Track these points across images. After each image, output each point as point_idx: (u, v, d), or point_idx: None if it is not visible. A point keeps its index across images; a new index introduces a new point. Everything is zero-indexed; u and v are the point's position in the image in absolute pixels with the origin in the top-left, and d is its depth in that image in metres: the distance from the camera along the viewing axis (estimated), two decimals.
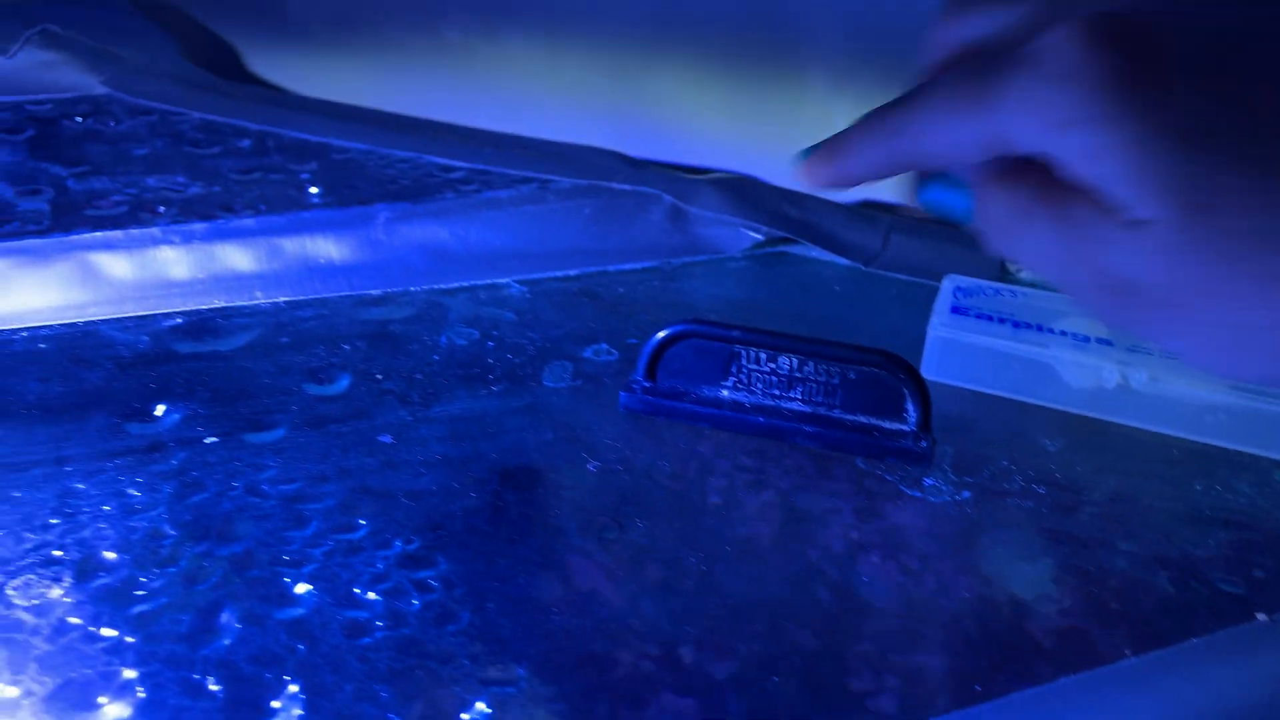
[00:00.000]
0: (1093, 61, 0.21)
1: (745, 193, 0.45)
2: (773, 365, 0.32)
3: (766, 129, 0.54)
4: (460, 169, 0.48)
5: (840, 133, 0.27)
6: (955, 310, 0.35)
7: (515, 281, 0.40)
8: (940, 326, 0.35)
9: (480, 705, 0.22)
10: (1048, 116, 0.22)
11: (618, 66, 0.60)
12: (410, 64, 0.65)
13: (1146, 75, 0.21)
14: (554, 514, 0.28)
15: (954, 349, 0.35)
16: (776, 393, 0.32)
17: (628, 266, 0.42)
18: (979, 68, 0.23)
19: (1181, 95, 0.21)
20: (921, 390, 0.31)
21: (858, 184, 0.27)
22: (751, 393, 0.32)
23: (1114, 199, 0.21)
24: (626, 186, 0.46)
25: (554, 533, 0.27)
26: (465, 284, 0.40)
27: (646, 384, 0.32)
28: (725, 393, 0.32)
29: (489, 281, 0.40)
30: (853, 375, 0.31)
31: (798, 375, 0.32)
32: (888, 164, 0.26)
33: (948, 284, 0.37)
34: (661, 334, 0.32)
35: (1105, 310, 0.22)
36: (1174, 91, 0.21)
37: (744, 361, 0.32)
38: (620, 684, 0.23)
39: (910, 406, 0.31)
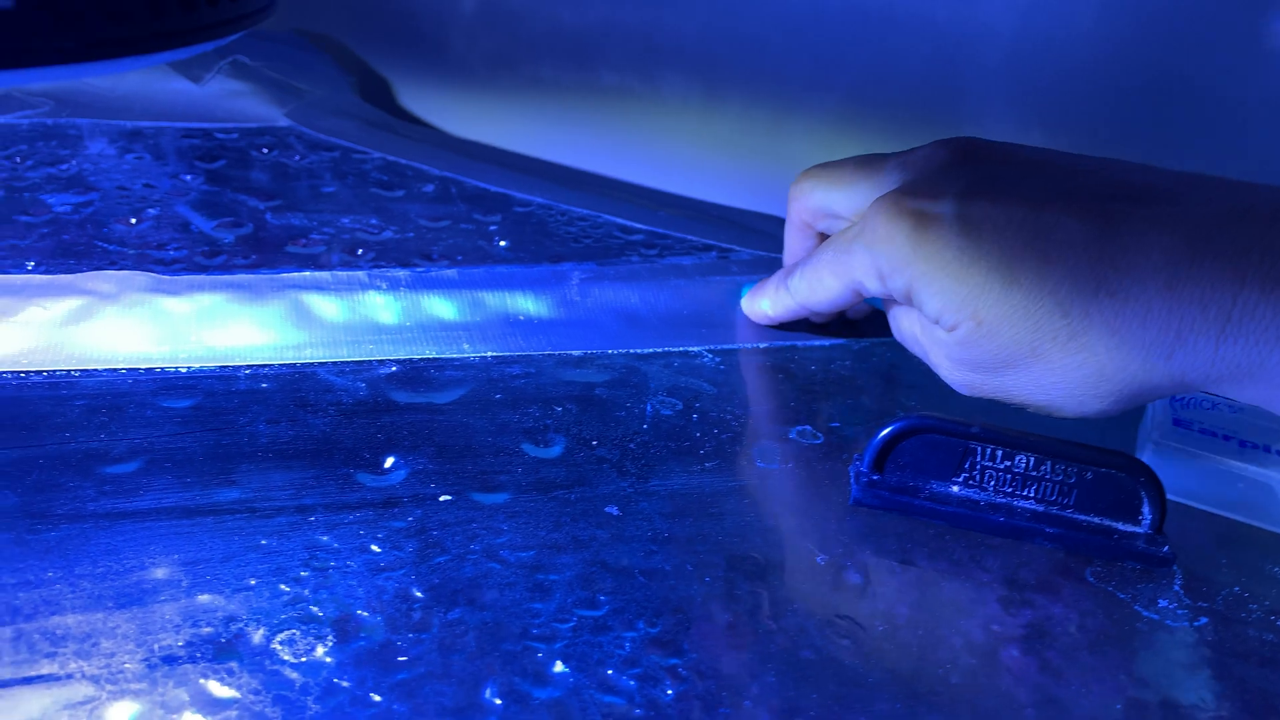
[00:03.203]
0: (887, 232, 0.32)
1: None
2: (1008, 463, 0.31)
3: None
4: (640, 230, 0.49)
5: (763, 283, 0.42)
6: (1177, 423, 0.35)
7: (707, 351, 0.40)
8: (1163, 439, 0.34)
9: None
10: (875, 273, 0.33)
11: (774, 123, 0.60)
12: (565, 107, 0.66)
13: (921, 236, 0.31)
14: (793, 607, 0.28)
15: (1174, 462, 0.34)
16: (1009, 490, 0.31)
17: (815, 343, 0.42)
18: (837, 247, 0.36)
19: (948, 247, 0.31)
20: (1160, 495, 0.31)
21: (776, 324, 0.42)
22: (983, 490, 0.31)
23: (933, 319, 0.32)
24: None
25: (796, 631, 0.27)
26: (658, 349, 0.40)
27: (875, 477, 0.32)
28: (956, 489, 0.32)
29: (681, 348, 0.40)
30: (1089, 476, 0.31)
31: (1033, 474, 0.31)
32: (794, 314, 0.40)
33: None
34: (892, 427, 0.31)
35: (968, 384, 0.33)
36: (941, 238, 0.31)
37: (978, 458, 0.31)
38: None
39: (1146, 510, 0.31)
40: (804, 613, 0.27)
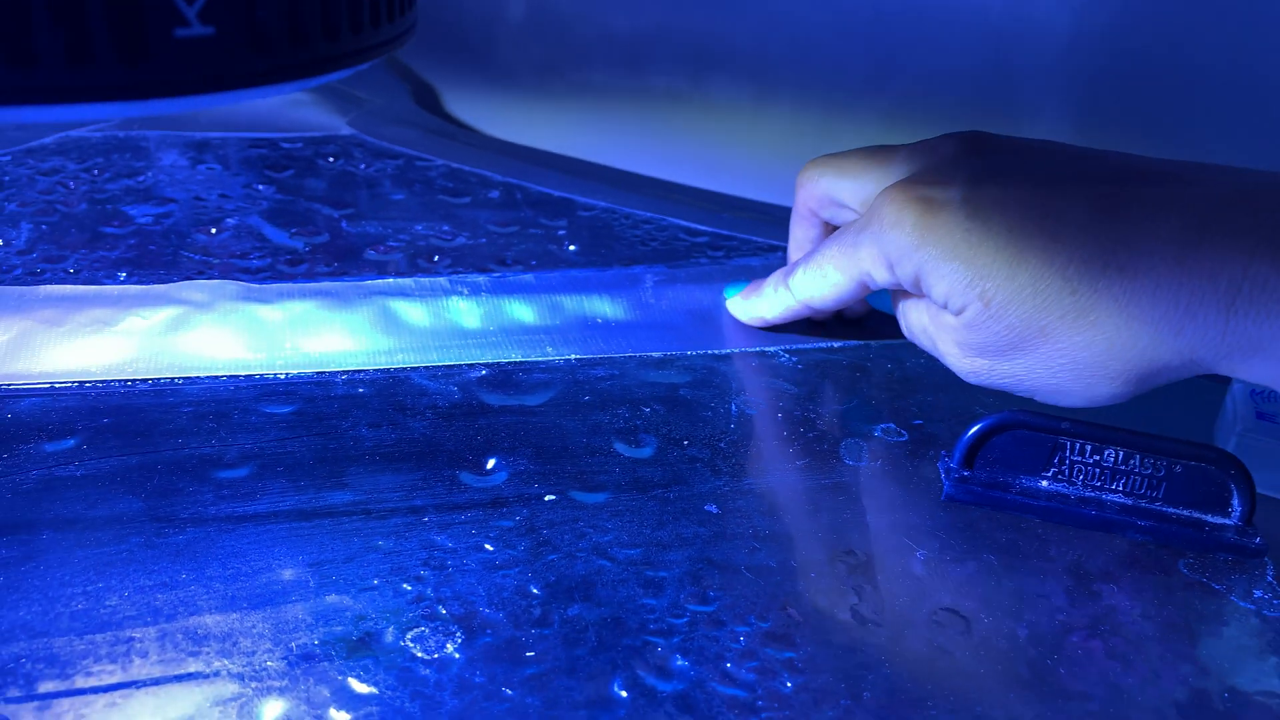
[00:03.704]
0: (895, 218, 0.33)
1: None
2: (1097, 458, 0.32)
3: None
4: (705, 233, 0.49)
5: (755, 284, 0.41)
6: (1261, 415, 0.35)
7: (783, 350, 0.41)
8: (1248, 434, 0.34)
9: None
10: (883, 262, 0.34)
11: (825, 125, 0.61)
12: (614, 112, 0.67)
13: (929, 220, 0.32)
14: (896, 602, 0.28)
15: (1260, 454, 0.34)
16: (1098, 484, 0.32)
17: (889, 342, 0.42)
18: (843, 241, 0.35)
19: (956, 229, 0.31)
20: (1250, 487, 0.31)
21: (769, 326, 0.41)
22: (1072, 484, 0.32)
23: (941, 304, 0.33)
24: None
25: (903, 623, 0.28)
26: (736, 350, 0.41)
27: (965, 473, 0.32)
28: (1045, 483, 0.32)
29: (758, 349, 0.41)
30: (1179, 469, 0.31)
31: (1122, 468, 0.31)
32: (794, 314, 0.40)
33: (1240, 386, 0.37)
34: (983, 423, 0.32)
35: (978, 371, 0.33)
36: (949, 221, 0.32)
37: (1067, 453, 0.32)
38: None
39: (1236, 502, 0.31)
40: (909, 607, 0.28)
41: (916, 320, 0.35)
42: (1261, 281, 0.27)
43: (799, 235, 0.41)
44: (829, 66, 0.60)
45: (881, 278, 0.35)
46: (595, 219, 0.50)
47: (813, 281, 0.37)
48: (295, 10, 0.17)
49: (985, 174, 0.32)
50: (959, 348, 0.33)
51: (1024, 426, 0.32)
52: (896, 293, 0.36)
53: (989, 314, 0.31)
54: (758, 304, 0.41)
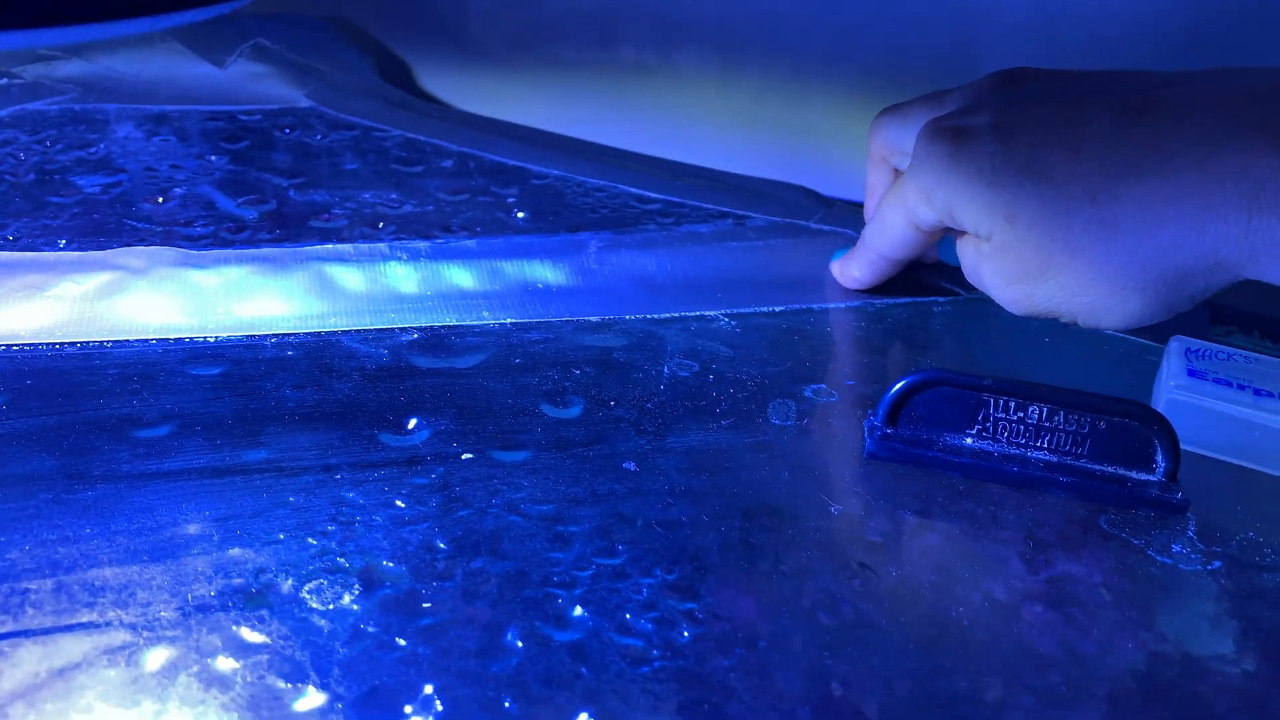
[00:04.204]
0: (927, 151, 0.34)
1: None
2: (1021, 414, 0.31)
3: None
4: (656, 200, 0.49)
5: (851, 250, 0.42)
6: (1192, 373, 0.35)
7: (724, 315, 0.41)
8: (1177, 389, 0.34)
9: None
10: (923, 196, 0.35)
11: (791, 96, 0.61)
12: (584, 85, 0.67)
13: (957, 148, 0.33)
14: (807, 554, 0.28)
15: (1189, 412, 0.34)
16: (1023, 441, 0.32)
17: (831, 305, 0.42)
18: (896, 184, 0.37)
19: (982, 153, 0.32)
20: (1173, 443, 0.31)
21: (866, 286, 0.42)
22: (997, 441, 0.32)
23: (972, 231, 0.34)
24: (825, 227, 0.46)
25: (809, 576, 0.28)
26: (676, 314, 0.40)
27: (888, 430, 0.32)
28: (969, 440, 0.32)
29: (698, 313, 0.41)
30: (1103, 425, 0.31)
31: (1046, 424, 0.31)
32: (877, 267, 0.41)
33: (1176, 345, 0.36)
34: (906, 381, 0.32)
35: (1017, 299, 0.34)
36: (977, 148, 0.33)
37: (991, 410, 0.32)
38: None
39: (1160, 458, 0.31)
40: (818, 560, 0.28)
41: (964, 258, 0.36)
42: None
43: (873, 182, 0.42)
44: (793, 37, 0.60)
45: (925, 214, 0.35)
46: (547, 187, 0.50)
47: (878, 231, 0.39)
48: None
49: (1014, 100, 0.33)
50: (998, 277, 0.34)
51: (948, 384, 0.32)
52: (954, 235, 0.37)
53: (1015, 234, 0.32)
54: (849, 265, 0.42)
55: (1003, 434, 0.32)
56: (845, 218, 0.47)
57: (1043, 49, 0.52)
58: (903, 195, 0.36)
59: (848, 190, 0.52)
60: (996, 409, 0.32)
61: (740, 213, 0.48)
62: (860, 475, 0.32)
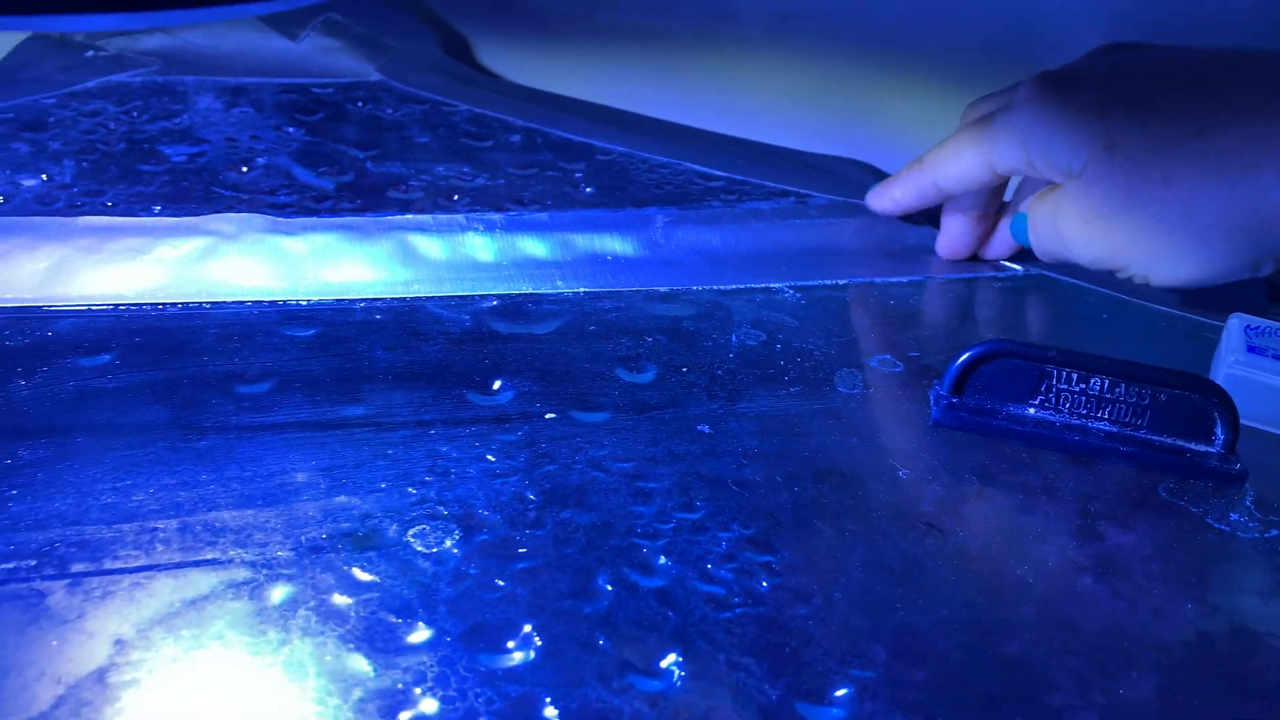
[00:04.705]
0: (1031, 93, 0.35)
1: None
2: (1083, 386, 0.33)
3: None
4: (719, 178, 0.50)
5: (897, 174, 0.42)
6: (1251, 349, 0.36)
7: (788, 287, 0.42)
8: (1237, 365, 0.35)
9: (841, 691, 0.24)
10: (1016, 139, 0.35)
11: (847, 69, 0.61)
12: (640, 57, 0.68)
13: (1062, 88, 0.34)
14: (876, 514, 0.30)
15: (1249, 388, 0.35)
16: (1084, 412, 0.33)
17: (894, 279, 0.43)
18: (979, 124, 0.37)
19: (1088, 90, 0.33)
20: (1233, 416, 0.32)
21: (906, 211, 0.43)
22: (1059, 412, 0.33)
23: (1063, 169, 0.34)
24: None
25: (879, 533, 0.29)
26: (741, 286, 0.42)
27: (953, 399, 0.33)
28: (1031, 410, 0.33)
29: (763, 285, 0.42)
30: (1163, 398, 0.32)
31: (1107, 396, 0.32)
32: (922, 194, 0.41)
33: (1236, 322, 0.37)
34: (972, 351, 0.33)
35: (1095, 240, 0.35)
36: (1085, 91, 0.33)
37: (1054, 381, 0.33)
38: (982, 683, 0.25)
39: (1219, 430, 0.32)
40: (886, 520, 0.29)
41: (1040, 208, 0.37)
42: None
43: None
44: (852, 10, 0.61)
45: (1011, 155, 0.36)
46: (613, 163, 0.52)
47: (945, 158, 0.39)
48: None
49: (1122, 53, 0.34)
50: (1079, 217, 0.34)
51: (1013, 355, 0.33)
52: (1027, 199, 0.38)
53: (1112, 164, 0.32)
54: (891, 185, 0.42)
55: (1064, 404, 0.33)
56: None
57: (1115, 26, 0.53)
58: (990, 134, 0.37)
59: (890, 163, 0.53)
60: (1059, 380, 0.33)
61: (803, 191, 0.49)
62: (926, 442, 0.33)
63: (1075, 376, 0.33)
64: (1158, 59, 0.34)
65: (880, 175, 0.52)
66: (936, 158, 0.40)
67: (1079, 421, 0.33)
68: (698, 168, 0.51)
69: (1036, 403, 0.33)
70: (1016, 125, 0.35)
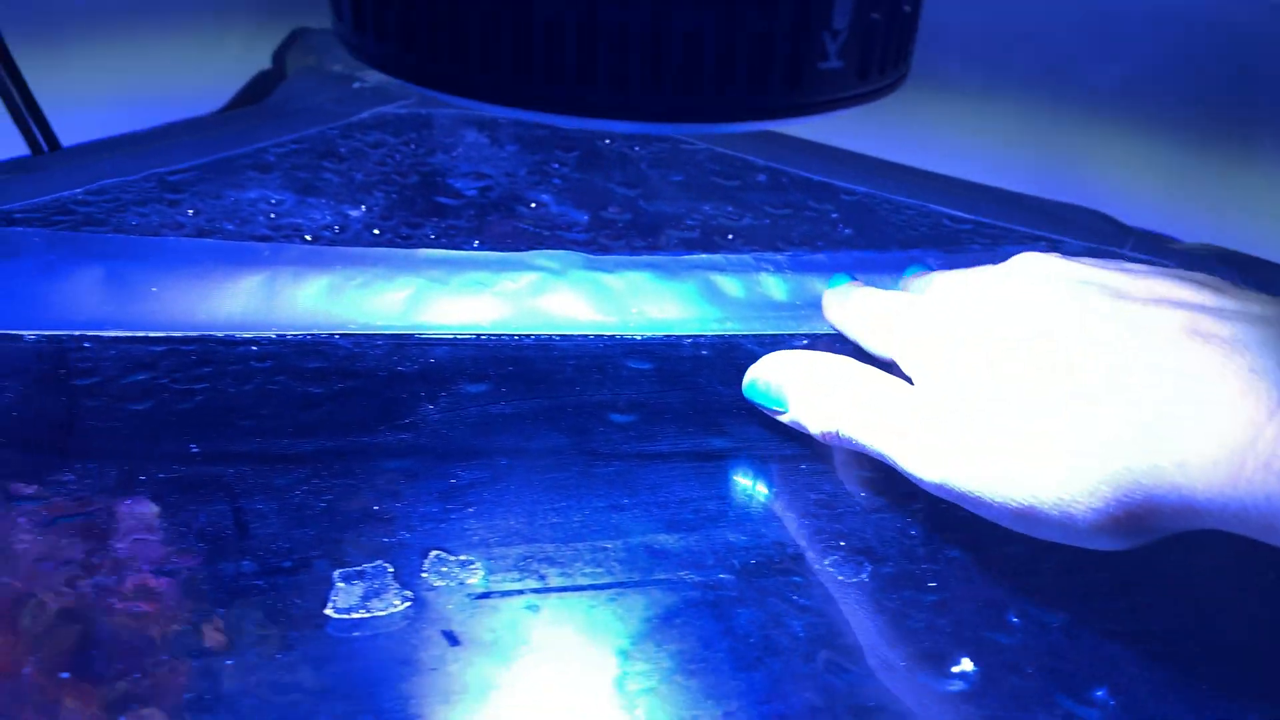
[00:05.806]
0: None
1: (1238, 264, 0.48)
2: None
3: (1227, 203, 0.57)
4: (968, 220, 0.53)
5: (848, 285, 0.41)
6: None
7: None
8: None
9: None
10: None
11: (1052, 114, 0.63)
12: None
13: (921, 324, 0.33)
14: None
15: None
16: None
17: None
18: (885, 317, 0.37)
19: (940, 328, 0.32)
20: None
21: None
22: None
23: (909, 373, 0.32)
24: (1141, 256, 0.50)
25: None
26: None
27: None
28: None
29: None
30: None
31: None
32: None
33: None
34: None
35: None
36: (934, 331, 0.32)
37: None
38: None
39: None
40: None
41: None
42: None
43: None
44: (1058, 56, 0.63)
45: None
46: (858, 203, 0.54)
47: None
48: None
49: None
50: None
51: None
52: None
53: (937, 391, 0.31)
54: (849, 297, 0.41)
55: None
56: (1153, 248, 0.50)
57: None
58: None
59: (1144, 219, 0.55)
60: None
61: (1054, 237, 0.51)
62: None
63: None
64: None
65: (1120, 227, 0.54)
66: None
67: None
68: (944, 209, 0.54)
69: None
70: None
